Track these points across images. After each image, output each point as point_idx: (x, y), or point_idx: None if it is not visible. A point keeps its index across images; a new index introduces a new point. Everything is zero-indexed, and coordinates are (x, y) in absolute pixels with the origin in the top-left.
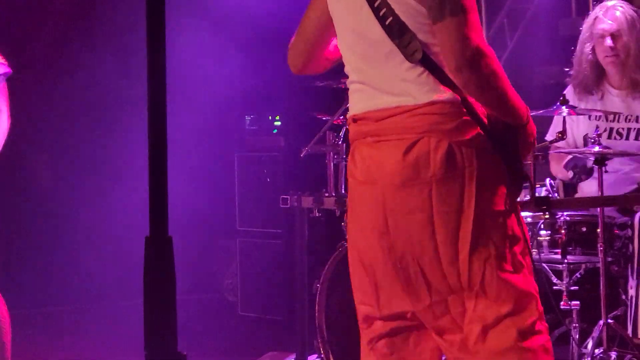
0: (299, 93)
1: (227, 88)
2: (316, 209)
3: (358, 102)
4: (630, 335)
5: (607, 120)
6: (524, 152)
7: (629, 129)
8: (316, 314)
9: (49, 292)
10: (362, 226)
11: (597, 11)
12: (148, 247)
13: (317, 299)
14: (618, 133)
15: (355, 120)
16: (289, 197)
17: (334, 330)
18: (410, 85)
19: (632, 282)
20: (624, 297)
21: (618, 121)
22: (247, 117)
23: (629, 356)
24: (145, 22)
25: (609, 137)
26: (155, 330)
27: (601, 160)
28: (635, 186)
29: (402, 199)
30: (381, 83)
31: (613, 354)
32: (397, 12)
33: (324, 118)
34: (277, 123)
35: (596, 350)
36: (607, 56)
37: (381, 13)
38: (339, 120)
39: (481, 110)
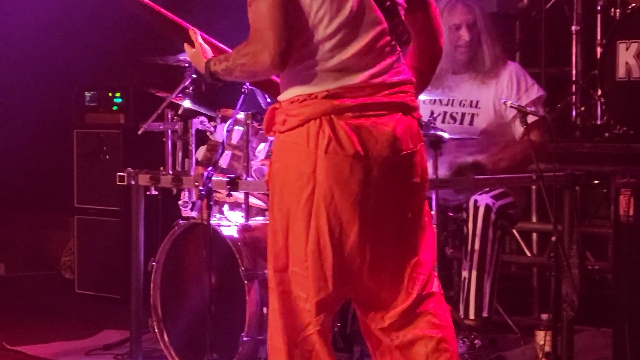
0: (139, 70)
1: (65, 63)
2: (153, 187)
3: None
4: (462, 317)
5: (441, 104)
6: None
7: (463, 114)
8: (151, 293)
9: None
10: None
11: (446, 3)
12: None
13: (152, 278)
14: (452, 117)
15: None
16: (125, 174)
17: (169, 309)
18: (392, 65)
19: (465, 264)
20: (456, 278)
21: (452, 105)
22: (87, 94)
23: (460, 337)
24: None
25: (443, 121)
26: None
27: (436, 143)
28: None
29: (392, 171)
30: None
31: None
32: None
33: (163, 95)
34: (118, 100)
35: None
36: (459, 46)
37: None
38: (177, 98)
39: None
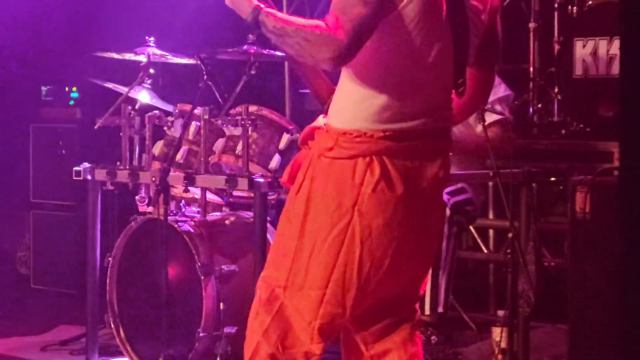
0: (96, 64)
1: (21, 57)
2: (109, 182)
3: (395, 122)
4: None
5: None
6: None
7: None
8: (107, 288)
9: None
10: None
11: None
12: None
13: (108, 273)
14: None
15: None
16: (82, 169)
17: (125, 305)
18: (445, 112)
19: None
20: None
21: None
22: (43, 88)
23: None
24: None
25: None
26: None
27: None
28: None
29: (429, 209)
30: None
31: None
32: (471, 46)
33: (120, 90)
34: (74, 94)
35: None
36: None
37: (460, 42)
38: (134, 93)
39: None
